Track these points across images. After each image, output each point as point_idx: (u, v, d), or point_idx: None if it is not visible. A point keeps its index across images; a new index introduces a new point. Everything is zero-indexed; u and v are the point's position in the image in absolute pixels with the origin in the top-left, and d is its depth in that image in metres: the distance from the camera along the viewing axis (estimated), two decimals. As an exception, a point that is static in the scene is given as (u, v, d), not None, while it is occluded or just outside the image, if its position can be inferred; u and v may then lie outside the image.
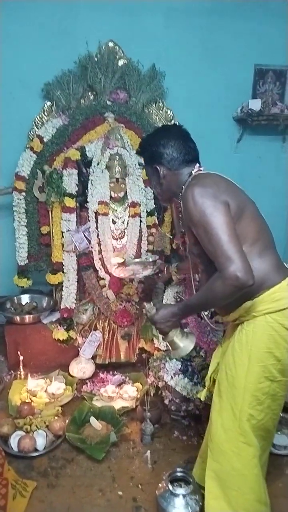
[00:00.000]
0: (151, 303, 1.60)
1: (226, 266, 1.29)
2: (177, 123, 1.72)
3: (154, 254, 2.72)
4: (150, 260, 2.39)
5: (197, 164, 1.60)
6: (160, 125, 2.98)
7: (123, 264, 2.47)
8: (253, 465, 1.52)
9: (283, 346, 1.46)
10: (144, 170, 1.75)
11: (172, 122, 3.01)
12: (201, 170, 1.57)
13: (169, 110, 3.03)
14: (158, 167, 1.60)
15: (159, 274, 2.42)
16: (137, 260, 2.55)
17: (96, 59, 2.84)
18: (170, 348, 1.63)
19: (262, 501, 1.57)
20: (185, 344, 1.58)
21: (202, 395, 1.76)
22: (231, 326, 1.61)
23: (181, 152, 1.57)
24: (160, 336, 2.54)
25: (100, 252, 2.74)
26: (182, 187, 1.55)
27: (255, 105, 3.04)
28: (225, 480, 1.54)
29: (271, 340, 1.45)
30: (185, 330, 1.62)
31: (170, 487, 1.65)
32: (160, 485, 1.73)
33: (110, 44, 2.90)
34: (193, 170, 1.57)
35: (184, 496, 1.64)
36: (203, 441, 1.77)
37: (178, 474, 1.74)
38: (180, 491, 1.65)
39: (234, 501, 1.53)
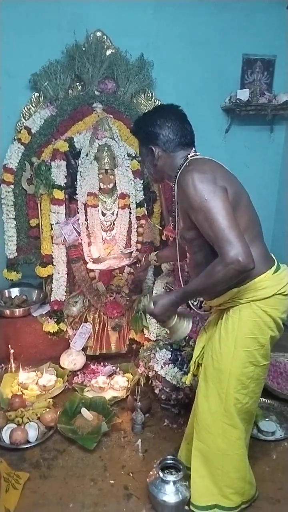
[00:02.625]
0: (147, 296, 1.60)
1: (227, 250, 1.31)
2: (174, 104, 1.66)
3: (129, 247, 2.70)
4: (126, 252, 2.39)
5: (193, 149, 1.58)
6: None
7: (97, 259, 2.47)
8: (238, 446, 1.60)
9: (267, 332, 1.52)
10: (138, 149, 1.71)
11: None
12: (197, 155, 1.56)
13: (157, 101, 3.01)
14: (153, 148, 1.58)
15: (137, 264, 2.40)
16: (112, 256, 2.54)
17: (83, 49, 2.80)
18: (169, 332, 1.65)
19: (247, 480, 1.66)
20: (184, 326, 1.60)
21: (188, 380, 1.83)
22: (215, 311, 1.66)
23: (178, 134, 1.56)
24: (153, 324, 2.58)
25: (89, 244, 2.74)
26: (177, 171, 1.53)
27: (243, 95, 3.03)
28: (211, 460, 1.62)
29: (256, 326, 1.51)
30: (179, 310, 1.63)
31: (161, 475, 1.68)
32: (151, 472, 1.76)
33: (98, 33, 2.87)
34: (188, 154, 1.55)
35: (174, 482, 1.67)
36: (188, 423, 1.83)
37: (169, 461, 1.77)
38: (171, 478, 1.67)
39: (219, 479, 1.61)
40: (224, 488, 1.62)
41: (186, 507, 1.68)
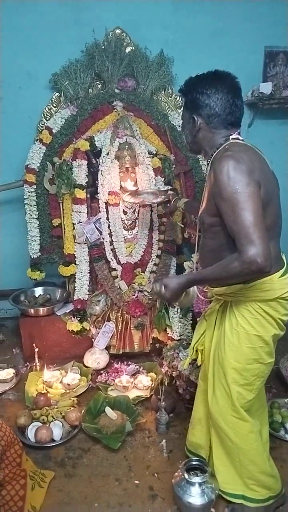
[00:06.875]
0: (159, 282, 1.61)
1: (247, 249, 1.28)
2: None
3: (167, 185, 2.63)
4: (162, 189, 2.33)
5: (238, 130, 1.51)
6: (170, 112, 2.94)
7: (135, 192, 2.40)
8: (251, 440, 1.59)
9: (270, 330, 1.51)
10: (182, 114, 1.62)
11: (181, 109, 2.96)
12: (239, 139, 1.48)
13: (178, 97, 2.98)
14: (195, 117, 1.51)
15: (168, 204, 2.35)
16: (149, 190, 2.46)
17: (103, 47, 2.79)
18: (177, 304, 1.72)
19: (268, 473, 1.65)
20: (189, 297, 1.62)
21: (185, 364, 1.89)
22: (215, 299, 1.66)
23: (225, 110, 1.47)
24: (176, 323, 2.57)
25: (111, 243, 2.74)
26: (215, 150, 1.48)
27: (266, 88, 2.96)
28: (228, 452, 1.64)
29: (259, 325, 1.50)
30: None
31: (186, 476, 1.66)
32: (176, 473, 1.75)
33: (117, 31, 2.86)
34: (231, 135, 1.49)
35: (200, 484, 1.64)
36: (193, 408, 1.86)
37: (194, 462, 1.75)
38: (196, 479, 1.65)
39: (239, 471, 1.64)
40: (246, 480, 1.64)
41: (212, 510, 1.67)
